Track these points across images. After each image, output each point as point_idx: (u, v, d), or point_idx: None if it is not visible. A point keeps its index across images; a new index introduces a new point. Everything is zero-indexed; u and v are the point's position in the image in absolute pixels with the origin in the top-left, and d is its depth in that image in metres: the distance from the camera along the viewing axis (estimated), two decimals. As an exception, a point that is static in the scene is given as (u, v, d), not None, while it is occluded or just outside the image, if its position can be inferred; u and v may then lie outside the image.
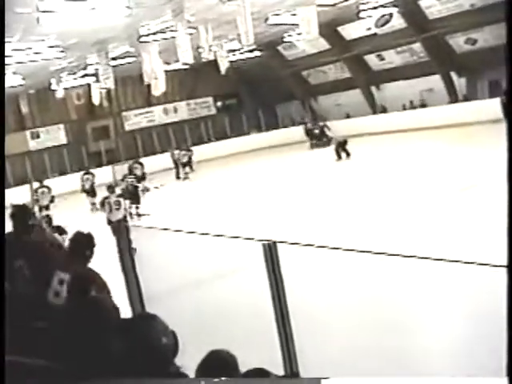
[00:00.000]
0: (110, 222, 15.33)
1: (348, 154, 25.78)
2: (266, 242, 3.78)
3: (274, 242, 3.78)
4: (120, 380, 2.95)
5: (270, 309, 3.91)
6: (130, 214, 18.19)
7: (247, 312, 7.71)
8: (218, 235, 5.35)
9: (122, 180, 21.56)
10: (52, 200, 21.54)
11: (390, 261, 3.95)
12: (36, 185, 22.46)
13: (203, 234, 5.64)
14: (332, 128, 32.98)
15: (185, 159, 30.64)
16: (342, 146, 26.08)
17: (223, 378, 2.82)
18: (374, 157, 24.54)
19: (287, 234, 11.06)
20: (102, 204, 16.16)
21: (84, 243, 5.72)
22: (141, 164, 26.60)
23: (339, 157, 26.06)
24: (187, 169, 30.55)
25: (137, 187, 20.29)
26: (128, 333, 3.03)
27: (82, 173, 26.38)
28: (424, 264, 3.96)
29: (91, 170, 27.15)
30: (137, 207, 19.73)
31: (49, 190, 21.89)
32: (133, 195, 19.57)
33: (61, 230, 12.38)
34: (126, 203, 16.27)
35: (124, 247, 5.27)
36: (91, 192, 24.47)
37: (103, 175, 27.34)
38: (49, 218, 13.70)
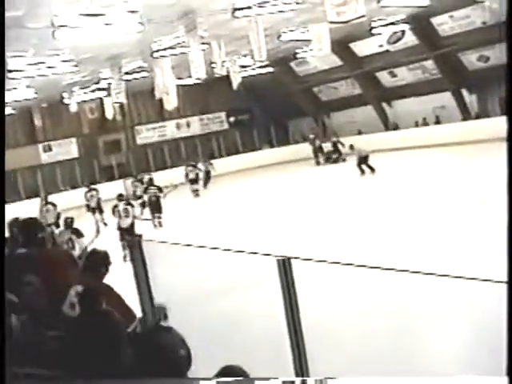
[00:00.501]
0: (119, 228, 16.84)
1: (372, 170, 25.39)
2: (281, 258, 3.78)
3: (289, 258, 3.78)
4: (120, 380, 2.96)
5: (283, 323, 3.91)
6: (154, 224, 20.33)
7: (260, 325, 7.72)
8: (229, 250, 5.35)
9: (145, 191, 22.57)
10: (58, 217, 19.70)
11: (404, 276, 3.94)
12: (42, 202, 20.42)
13: (215, 248, 5.65)
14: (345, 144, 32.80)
15: (192, 175, 29.58)
16: (363, 161, 25.72)
17: (223, 379, 2.79)
18: (388, 173, 24.51)
19: (304, 249, 11.09)
20: (113, 211, 17.56)
21: (99, 261, 5.78)
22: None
23: (362, 172, 25.70)
24: (195, 186, 29.20)
25: (159, 197, 21.28)
26: (144, 345, 3.03)
27: (85, 190, 24.98)
28: (437, 280, 3.96)
29: (98, 185, 27.03)
30: (159, 217, 20.81)
31: (54, 208, 20.49)
32: (155, 205, 21.00)
33: (79, 233, 12.61)
34: (133, 210, 17.60)
35: (137, 260, 5.28)
36: (98, 209, 23.38)
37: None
38: (71, 220, 13.96)
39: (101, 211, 23.00)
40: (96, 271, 5.62)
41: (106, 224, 20.88)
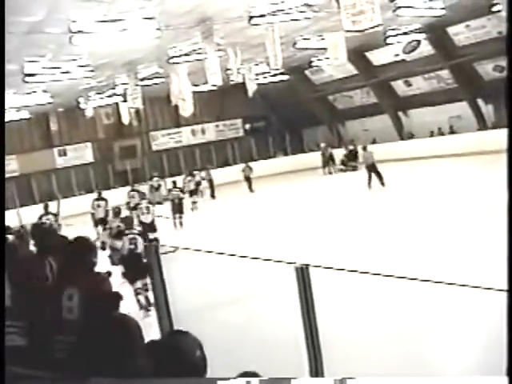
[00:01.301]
0: (140, 222, 17.11)
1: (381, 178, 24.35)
2: (299, 265, 3.81)
3: (307, 266, 3.81)
4: (121, 380, 2.96)
5: (301, 330, 3.94)
6: (174, 223, 21.87)
7: (277, 332, 7.75)
8: (244, 256, 5.38)
9: (169, 193, 23.48)
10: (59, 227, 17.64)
11: (418, 285, 3.97)
12: (41, 211, 18.73)
13: (231, 255, 5.67)
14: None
15: (191, 186, 27.62)
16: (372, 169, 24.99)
17: (226, 378, 2.76)
18: (402, 182, 24.46)
19: (317, 257, 11.10)
20: (135, 208, 18.41)
21: (82, 248, 5.40)
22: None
23: (370, 178, 24.33)
24: (195, 197, 27.16)
25: (182, 199, 22.47)
26: (160, 350, 3.03)
27: (93, 198, 22.07)
28: (451, 289, 3.98)
29: (111, 190, 26.68)
30: (180, 217, 22.09)
31: (55, 217, 18.34)
32: (177, 207, 22.24)
33: (127, 223, 13.18)
34: (154, 209, 18.24)
35: (154, 266, 5.29)
36: (104, 221, 19.73)
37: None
38: (118, 210, 14.47)
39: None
40: (82, 262, 5.23)
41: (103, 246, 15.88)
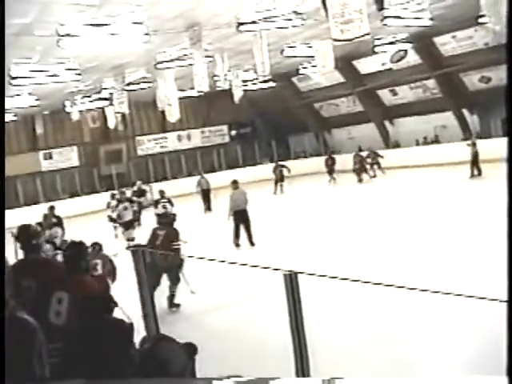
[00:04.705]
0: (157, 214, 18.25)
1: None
2: (288, 272, 3.81)
3: (296, 273, 3.81)
4: (120, 380, 2.97)
5: (288, 335, 3.95)
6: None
7: (264, 338, 7.75)
8: (233, 263, 5.38)
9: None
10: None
11: (409, 293, 3.98)
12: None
13: (221, 261, 5.67)
14: (342, 161, 32.24)
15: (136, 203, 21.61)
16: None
17: (223, 379, 2.75)
18: (387, 190, 24.56)
19: (304, 264, 11.11)
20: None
21: (76, 253, 5.40)
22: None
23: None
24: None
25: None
26: (147, 357, 3.03)
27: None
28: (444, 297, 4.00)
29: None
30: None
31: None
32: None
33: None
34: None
35: (141, 269, 5.28)
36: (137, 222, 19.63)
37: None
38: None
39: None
40: (76, 267, 5.23)
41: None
